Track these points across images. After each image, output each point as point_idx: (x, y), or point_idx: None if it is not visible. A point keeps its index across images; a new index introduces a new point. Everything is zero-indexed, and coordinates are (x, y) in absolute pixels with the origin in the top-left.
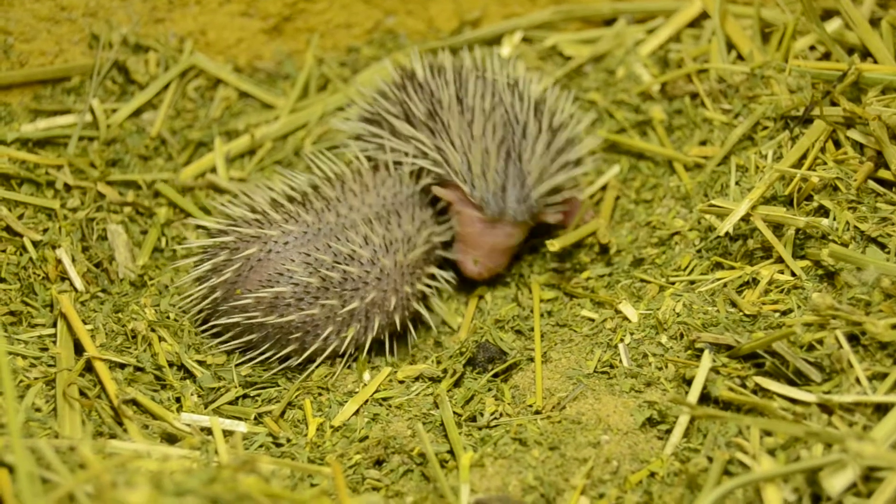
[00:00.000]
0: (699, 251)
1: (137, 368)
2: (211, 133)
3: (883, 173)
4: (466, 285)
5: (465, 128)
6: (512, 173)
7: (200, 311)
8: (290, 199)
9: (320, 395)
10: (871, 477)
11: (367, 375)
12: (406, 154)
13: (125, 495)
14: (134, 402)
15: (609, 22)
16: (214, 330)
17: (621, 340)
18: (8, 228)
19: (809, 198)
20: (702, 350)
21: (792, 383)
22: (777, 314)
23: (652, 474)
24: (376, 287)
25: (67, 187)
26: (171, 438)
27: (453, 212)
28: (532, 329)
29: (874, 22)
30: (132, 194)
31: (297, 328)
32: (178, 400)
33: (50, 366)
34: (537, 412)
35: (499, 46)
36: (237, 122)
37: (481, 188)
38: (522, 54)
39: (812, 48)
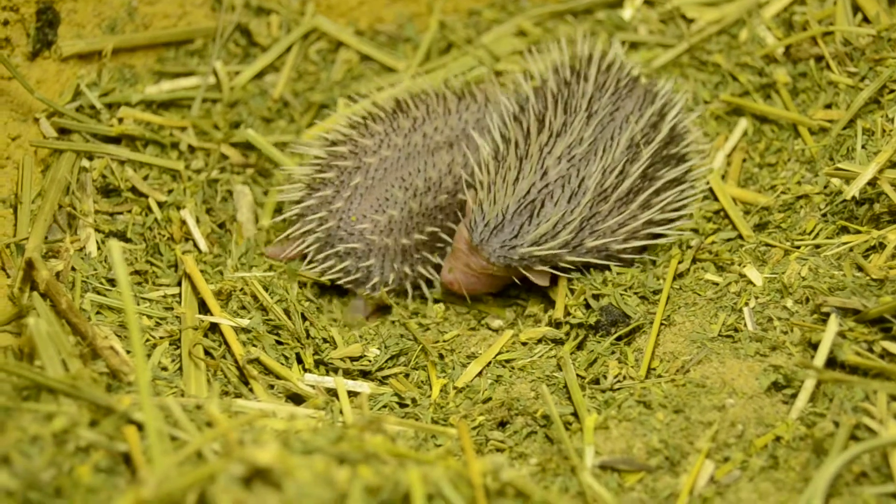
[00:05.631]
0: (824, 215)
1: (274, 328)
2: (332, 95)
3: None
4: None
5: (528, 158)
6: (517, 221)
7: (315, 243)
8: (376, 119)
9: (443, 356)
10: None
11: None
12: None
13: (254, 453)
14: (258, 362)
15: None
16: (330, 262)
17: (746, 304)
18: (133, 189)
19: None
20: (828, 314)
21: None
22: None
23: (777, 438)
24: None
25: (191, 149)
26: (295, 398)
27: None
28: (654, 292)
29: None
30: (255, 156)
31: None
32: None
33: (175, 326)
34: (659, 376)
35: (620, 9)
36: (358, 85)
37: (478, 213)
38: (644, 18)
39: None
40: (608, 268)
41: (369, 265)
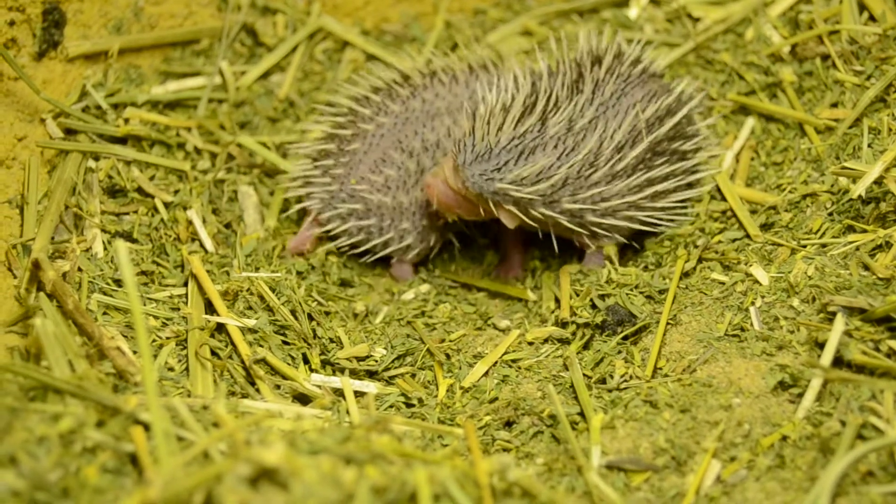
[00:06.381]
0: (831, 214)
1: (281, 328)
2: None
3: None
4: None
5: (530, 113)
6: (503, 156)
7: (319, 203)
8: (376, 91)
9: (449, 356)
10: None
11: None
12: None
13: (260, 453)
14: (265, 362)
15: None
16: (333, 224)
17: (752, 303)
18: (140, 190)
19: None
20: (834, 313)
21: None
22: None
23: (784, 438)
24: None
25: (197, 149)
26: (302, 399)
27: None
28: (660, 292)
29: None
30: (261, 156)
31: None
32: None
33: (181, 326)
34: (666, 375)
35: (626, 8)
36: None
37: (469, 138)
38: (650, 17)
39: None
40: (569, 243)
41: (369, 224)
